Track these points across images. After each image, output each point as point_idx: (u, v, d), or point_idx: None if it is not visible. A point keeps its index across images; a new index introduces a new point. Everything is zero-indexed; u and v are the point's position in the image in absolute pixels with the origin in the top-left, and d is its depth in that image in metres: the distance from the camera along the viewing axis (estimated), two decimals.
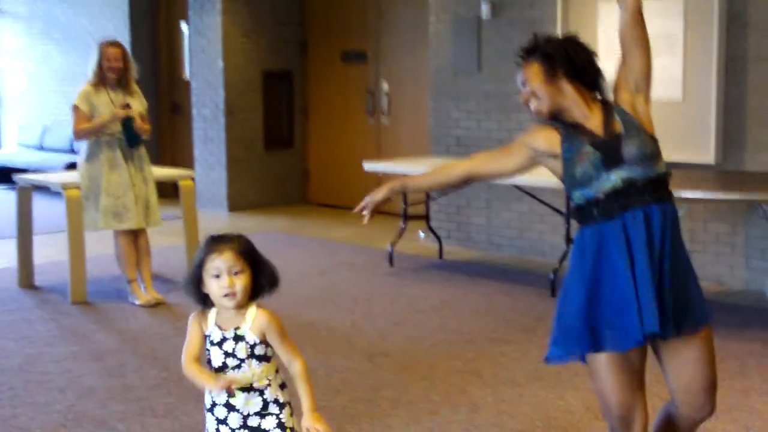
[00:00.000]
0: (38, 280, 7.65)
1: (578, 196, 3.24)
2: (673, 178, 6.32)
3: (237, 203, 11.48)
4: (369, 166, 8.61)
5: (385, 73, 11.02)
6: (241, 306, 3.04)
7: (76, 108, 6.95)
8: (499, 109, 8.65)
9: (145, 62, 10.08)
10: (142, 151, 7.11)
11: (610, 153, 3.16)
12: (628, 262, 3.12)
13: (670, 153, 7.39)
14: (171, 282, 7.63)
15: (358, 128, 11.35)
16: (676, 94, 7.44)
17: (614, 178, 3.16)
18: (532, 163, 3.40)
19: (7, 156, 13.67)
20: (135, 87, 7.17)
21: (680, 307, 3.15)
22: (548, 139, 3.30)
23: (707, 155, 7.30)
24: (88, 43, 12.67)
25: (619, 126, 3.21)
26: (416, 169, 8.16)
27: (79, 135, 6.99)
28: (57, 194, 7.37)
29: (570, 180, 3.25)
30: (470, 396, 5.01)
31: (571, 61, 3.27)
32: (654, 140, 3.23)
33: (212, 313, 3.09)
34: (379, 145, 11.11)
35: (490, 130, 8.75)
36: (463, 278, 7.77)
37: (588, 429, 4.57)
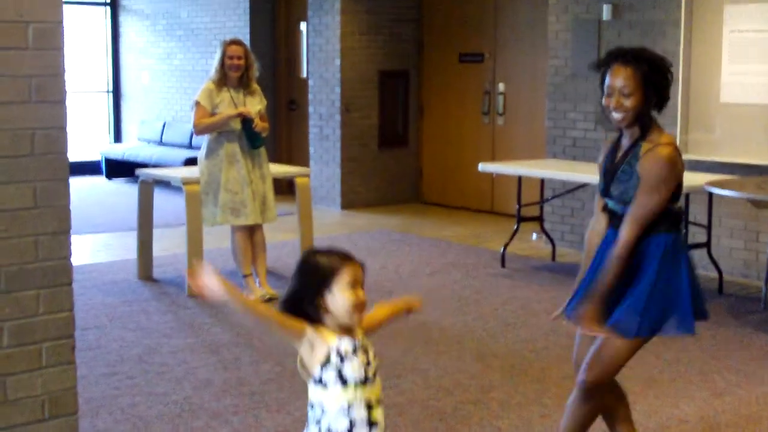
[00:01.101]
0: (156, 272, 7.83)
1: None
2: None
3: (350, 201, 11.56)
4: (484, 167, 8.59)
5: (501, 74, 10.98)
6: None
7: (197, 104, 7.09)
8: None
9: (264, 60, 10.21)
10: (261, 148, 7.22)
11: (605, 185, 3.74)
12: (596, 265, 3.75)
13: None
14: (285, 277, 7.73)
15: (474, 128, 11.32)
16: None
17: (609, 203, 3.76)
18: None
19: (128, 150, 14.01)
20: (255, 86, 7.28)
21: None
22: (605, 150, 3.85)
23: None
24: (209, 40, 12.93)
25: (621, 167, 3.67)
26: (532, 171, 8.12)
27: (199, 129, 7.13)
28: (176, 189, 7.52)
29: None
30: None
31: (662, 93, 3.70)
32: None
33: (323, 331, 2.87)
34: (493, 145, 11.07)
35: (607, 133, 8.63)
36: None
37: None
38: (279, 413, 4.82)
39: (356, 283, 2.83)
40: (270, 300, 7.01)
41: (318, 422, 2.84)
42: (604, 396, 3.82)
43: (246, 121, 7.03)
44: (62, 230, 3.60)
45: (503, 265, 8.20)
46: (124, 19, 15.12)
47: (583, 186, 8.32)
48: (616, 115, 3.65)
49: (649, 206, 3.57)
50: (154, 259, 7.89)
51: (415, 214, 11.18)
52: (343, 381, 2.81)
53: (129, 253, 8.42)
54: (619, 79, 3.64)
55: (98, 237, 9.72)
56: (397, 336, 6.12)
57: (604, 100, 3.70)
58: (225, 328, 6.36)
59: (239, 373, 5.43)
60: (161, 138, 14.08)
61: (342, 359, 2.82)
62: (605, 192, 3.74)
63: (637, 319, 3.60)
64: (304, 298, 2.86)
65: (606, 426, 4.02)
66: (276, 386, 5.21)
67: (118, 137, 15.46)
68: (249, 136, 7.07)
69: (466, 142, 11.38)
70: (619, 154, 3.72)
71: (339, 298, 2.82)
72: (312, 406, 2.87)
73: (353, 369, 2.82)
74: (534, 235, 9.37)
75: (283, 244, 8.87)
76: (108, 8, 15.20)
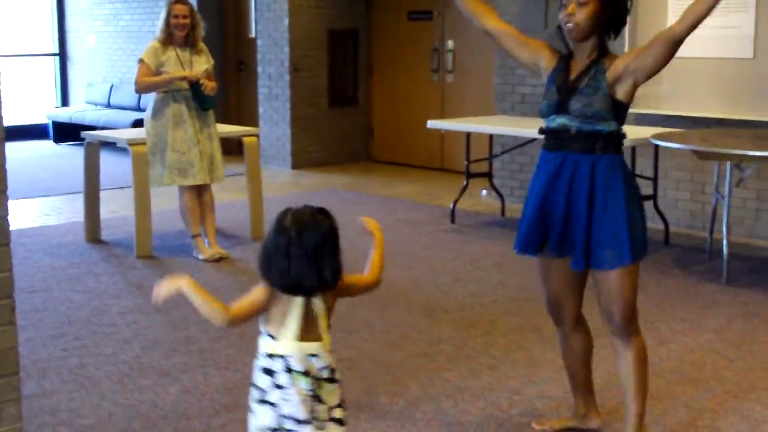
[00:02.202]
0: (105, 234, 7.77)
1: (543, 121, 3.71)
2: (741, 138, 6.26)
3: (301, 160, 11.53)
4: (432, 124, 8.59)
5: (450, 31, 10.96)
6: None
7: (141, 61, 7.01)
8: None
9: (211, 20, 10.11)
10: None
11: (562, 101, 3.56)
12: (545, 191, 3.62)
13: (739, 111, 7.32)
14: (234, 237, 7.72)
15: (423, 86, 11.32)
16: (747, 51, 7.32)
17: (558, 121, 3.60)
18: (534, 67, 3.78)
19: (76, 113, 13.85)
20: (202, 45, 7.21)
21: (592, 246, 3.56)
22: (549, 61, 3.69)
23: None
24: (156, 1, 12.78)
25: (585, 81, 3.54)
26: (480, 128, 8.14)
27: (140, 86, 7.05)
28: (124, 150, 7.46)
29: (541, 106, 3.70)
30: (529, 352, 5.01)
31: (620, 9, 3.58)
32: (611, 105, 3.51)
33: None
34: (443, 103, 11.07)
35: None
36: None
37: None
38: (228, 370, 4.82)
39: None
40: (220, 259, 7.00)
41: None
42: (639, 331, 3.70)
43: (194, 84, 6.98)
44: None
45: (453, 221, 8.24)
46: None
47: (531, 141, 8.36)
48: (569, 25, 3.53)
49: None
50: (103, 221, 7.84)
51: (365, 172, 11.18)
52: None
53: (77, 215, 8.35)
54: None
55: (46, 200, 9.63)
56: None
57: (560, 14, 3.58)
58: None
59: (188, 332, 5.41)
60: (109, 100, 13.93)
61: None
62: (558, 108, 3.58)
63: (627, 248, 3.51)
64: (340, 262, 2.89)
65: (566, 367, 4.01)
66: (225, 344, 5.21)
67: (65, 100, 15.28)
68: (199, 98, 7.02)
69: (416, 100, 11.37)
70: (575, 71, 3.59)
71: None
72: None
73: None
74: (483, 191, 9.41)
75: (233, 204, 8.84)
76: None
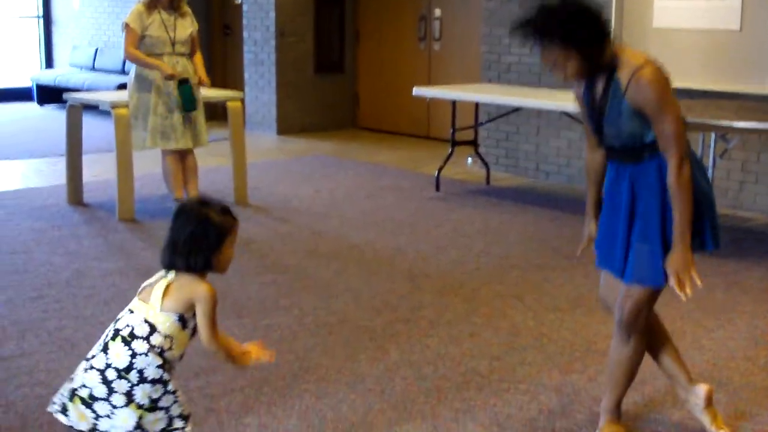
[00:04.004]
0: (87, 197, 7.73)
1: None
2: (726, 109, 6.23)
3: (286, 126, 11.48)
4: (418, 91, 8.55)
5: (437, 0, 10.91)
6: None
7: (127, 26, 6.95)
8: None
9: None
10: (190, 69, 7.10)
11: (596, 125, 3.49)
12: (606, 200, 3.60)
13: (725, 83, 7.30)
14: None
15: (409, 54, 11.26)
16: (734, 23, 7.30)
17: (604, 138, 3.50)
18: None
19: (60, 76, 13.75)
20: (186, 8, 7.15)
21: (629, 255, 3.47)
22: (578, 87, 3.52)
23: (764, 86, 7.16)
24: None
25: (606, 104, 3.39)
26: (466, 95, 8.10)
27: (129, 58, 7.02)
28: (107, 113, 7.41)
29: None
30: (511, 319, 5.00)
31: (580, 38, 3.29)
32: (641, 121, 3.34)
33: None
34: (429, 71, 11.03)
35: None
36: (510, 205, 7.73)
37: None
38: None
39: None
40: None
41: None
42: (644, 336, 3.59)
43: (184, 82, 6.90)
44: None
45: (438, 189, 8.22)
46: None
47: (516, 110, 8.34)
48: (567, 77, 3.40)
49: (671, 120, 3.29)
50: (85, 185, 7.79)
51: (351, 139, 11.14)
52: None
53: (60, 178, 8.30)
54: (543, 56, 3.36)
55: (29, 162, 9.56)
56: (330, 257, 6.13)
57: None
58: (155, 252, 6.26)
59: None
60: (93, 64, 13.83)
61: None
62: (598, 131, 3.49)
63: (661, 268, 3.36)
64: (200, 252, 2.95)
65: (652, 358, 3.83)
66: None
67: (49, 63, 15.17)
68: (185, 96, 6.93)
69: (402, 67, 11.32)
70: (597, 91, 3.43)
71: (228, 251, 3.00)
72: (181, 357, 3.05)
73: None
74: (469, 160, 9.39)
75: (217, 169, 8.79)
76: None
